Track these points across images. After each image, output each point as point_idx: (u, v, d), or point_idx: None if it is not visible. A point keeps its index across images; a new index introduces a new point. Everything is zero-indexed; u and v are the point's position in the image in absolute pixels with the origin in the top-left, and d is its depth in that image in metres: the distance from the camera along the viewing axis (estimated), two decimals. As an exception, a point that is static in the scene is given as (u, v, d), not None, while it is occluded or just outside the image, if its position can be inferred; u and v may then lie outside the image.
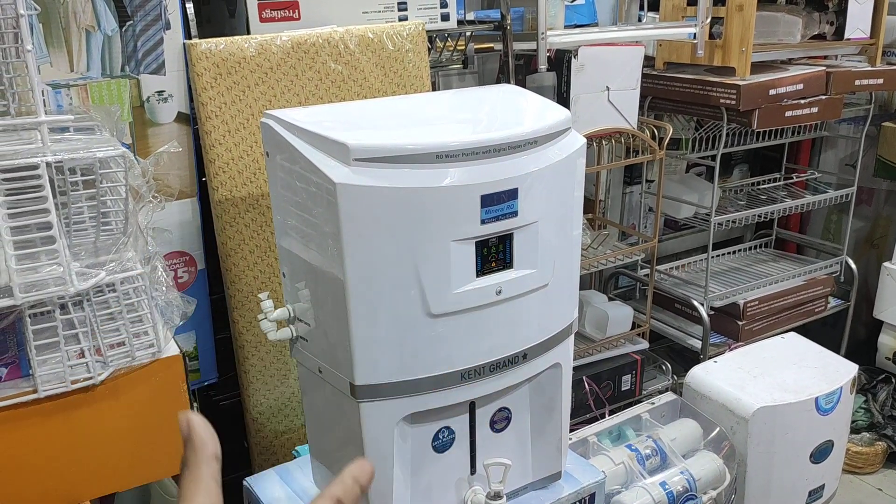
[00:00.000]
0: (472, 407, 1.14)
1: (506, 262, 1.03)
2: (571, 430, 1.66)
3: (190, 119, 1.34)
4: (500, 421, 1.18)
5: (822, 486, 1.85)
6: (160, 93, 1.29)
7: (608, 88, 1.76)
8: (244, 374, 1.46)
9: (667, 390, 2.07)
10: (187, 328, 1.44)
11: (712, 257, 2.23)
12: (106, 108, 1.06)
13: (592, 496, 1.30)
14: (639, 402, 1.94)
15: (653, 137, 1.89)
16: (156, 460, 1.09)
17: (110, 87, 1.21)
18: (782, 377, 1.80)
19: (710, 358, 1.97)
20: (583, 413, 1.98)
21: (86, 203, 1.01)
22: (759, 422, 1.70)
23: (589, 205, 2.21)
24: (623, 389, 2.08)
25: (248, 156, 1.35)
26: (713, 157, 2.09)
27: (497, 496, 1.14)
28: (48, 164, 0.90)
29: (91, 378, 0.99)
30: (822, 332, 2.63)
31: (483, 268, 1.01)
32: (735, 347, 2.09)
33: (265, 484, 1.28)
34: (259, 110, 1.35)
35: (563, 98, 1.72)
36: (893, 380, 2.52)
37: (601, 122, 1.77)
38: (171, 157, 1.14)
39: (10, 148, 0.91)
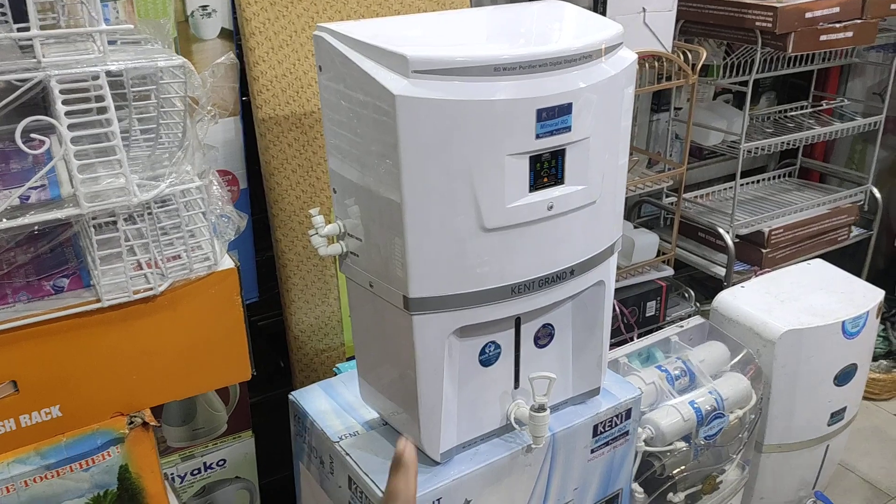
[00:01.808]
0: (517, 322, 1.16)
1: (557, 178, 1.04)
2: (605, 350, 1.69)
3: (233, 35, 1.33)
4: (544, 337, 1.21)
5: (844, 409, 1.89)
6: (204, 7, 1.27)
7: (644, 10, 1.74)
8: (286, 292, 1.48)
9: (689, 317, 2.10)
10: (230, 247, 1.45)
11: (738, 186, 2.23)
12: (155, 22, 1.06)
13: (629, 411, 1.33)
14: (661, 327, 1.97)
15: (685, 62, 1.87)
16: (211, 370, 1.12)
17: (155, 1, 1.19)
18: (809, 302, 1.82)
19: (733, 285, 1.99)
20: (612, 336, 2.00)
21: (136, 116, 1.01)
22: (786, 345, 1.73)
23: (617, 131, 2.20)
24: (648, 315, 2.11)
25: (291, 73, 1.35)
26: (743, 83, 2.07)
27: (541, 409, 1.16)
28: (107, 74, 0.90)
29: (152, 289, 1.01)
30: (843, 262, 2.63)
31: (536, 183, 1.02)
32: (762, 274, 2.11)
33: (310, 397, 1.31)
34: (302, 27, 1.34)
35: (599, 19, 1.69)
36: (913, 308, 2.55)
37: (637, 44, 1.75)
38: (225, 71, 1.14)
39: (70, 58, 0.91)
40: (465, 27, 1.10)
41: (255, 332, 1.67)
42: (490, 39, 1.07)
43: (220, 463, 1.51)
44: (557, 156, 1.03)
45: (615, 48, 1.06)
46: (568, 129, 1.01)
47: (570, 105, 1.00)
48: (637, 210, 2.50)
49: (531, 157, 1.00)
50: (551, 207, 1.04)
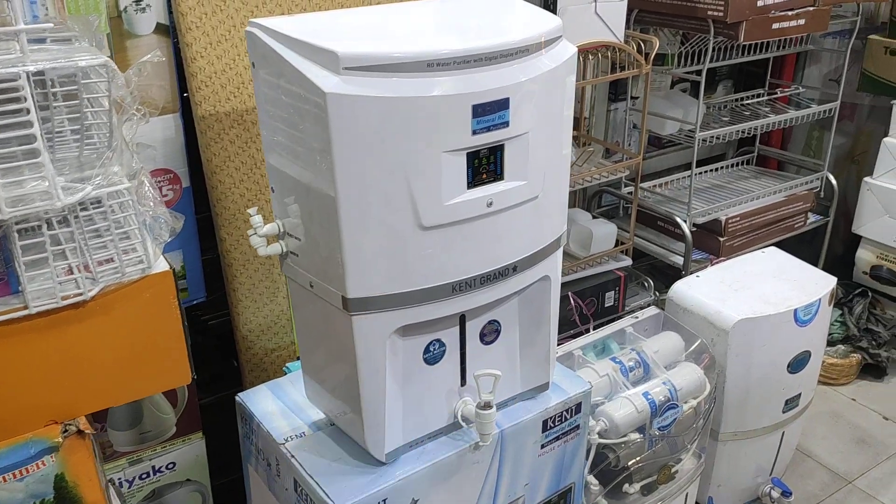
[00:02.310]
0: (462, 320, 1.15)
1: (497, 174, 1.03)
2: (557, 345, 1.69)
3: (170, 30, 1.30)
4: (490, 333, 1.20)
5: (799, 395, 1.90)
6: (138, 2, 1.24)
7: (595, 0, 1.73)
8: (233, 292, 1.46)
9: (649, 306, 2.10)
10: (174, 247, 1.43)
11: (695, 174, 2.24)
12: (84, 18, 1.02)
13: (579, 405, 1.33)
14: (621, 317, 1.97)
15: (639, 51, 1.86)
16: (148, 376, 1.10)
17: (86, -4, 1.16)
18: (762, 290, 1.83)
19: (691, 273, 2.00)
20: (567, 328, 2.01)
21: (66, 116, 0.98)
22: (739, 333, 1.74)
23: (573, 122, 2.19)
24: (607, 305, 2.11)
25: (231, 69, 1.32)
26: (699, 73, 2.08)
27: (487, 406, 1.16)
28: (29, 75, 0.87)
29: (81, 294, 0.98)
30: (800, 248, 2.66)
31: (474, 179, 1.01)
32: (717, 263, 2.12)
33: (257, 399, 1.29)
34: (241, 21, 1.31)
35: (550, 9, 1.68)
36: (869, 294, 2.57)
37: (588, 35, 1.74)
38: (154, 69, 1.10)
39: (-12, 58, 0.88)
40: (402, 21, 1.08)
41: (206, 332, 1.65)
42: (426, 34, 1.05)
43: (170, 466, 1.49)
44: (496, 151, 1.01)
45: (554, 41, 1.05)
46: (506, 124, 1.00)
47: (507, 100, 0.98)
48: (597, 200, 2.50)
49: (468, 154, 0.99)
50: (491, 204, 1.03)
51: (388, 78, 0.91)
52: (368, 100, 0.90)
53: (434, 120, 0.94)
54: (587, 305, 2.05)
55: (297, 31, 0.95)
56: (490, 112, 0.97)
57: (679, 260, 2.24)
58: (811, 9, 2.04)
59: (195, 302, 1.54)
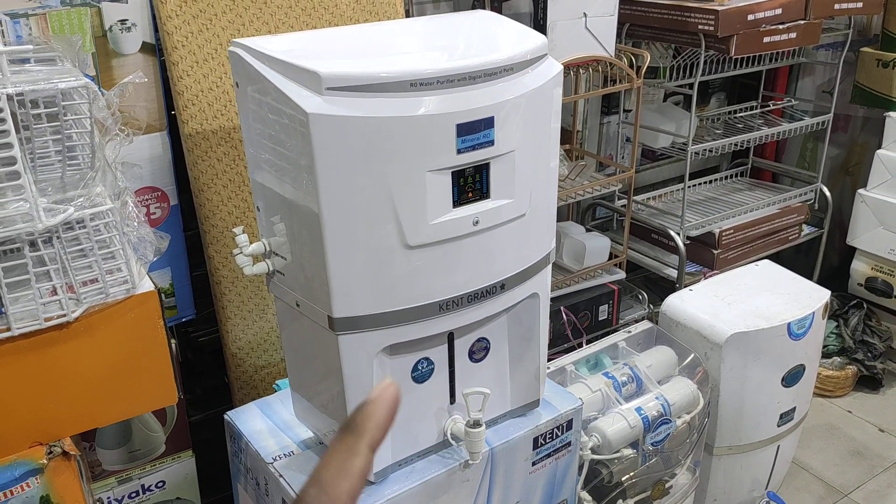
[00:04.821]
0: (450, 337, 1.14)
1: (482, 193, 1.02)
2: (549, 360, 1.68)
3: (156, 49, 1.30)
4: (479, 351, 1.19)
5: (794, 409, 1.89)
6: (123, 21, 1.24)
7: (585, 15, 1.73)
8: (222, 309, 1.45)
9: (643, 319, 2.09)
10: (162, 264, 1.43)
11: (689, 187, 2.23)
12: (67, 38, 1.02)
13: (570, 422, 1.32)
14: (615, 331, 1.97)
15: (630, 65, 1.86)
16: (134, 396, 1.09)
17: (70, 16, 1.16)
18: (756, 304, 1.83)
19: (685, 287, 1.99)
20: (560, 343, 2.00)
21: (51, 137, 0.98)
22: (733, 347, 1.73)
23: (566, 135, 2.19)
24: (600, 319, 2.11)
25: (217, 87, 1.32)
26: (691, 86, 2.08)
27: (476, 424, 1.15)
28: (9, 97, 0.87)
29: (65, 315, 0.98)
30: (796, 260, 2.67)
31: (460, 198, 1.00)
32: (710, 276, 2.11)
33: (246, 417, 1.28)
34: (227, 39, 1.31)
35: (539, 25, 1.68)
36: (865, 305, 2.56)
37: (578, 49, 1.74)
38: (137, 89, 1.10)
39: (-32, 80, 0.88)
40: (386, 40, 1.08)
41: (197, 349, 1.64)
42: (410, 53, 1.05)
43: (160, 484, 1.48)
44: (481, 170, 1.01)
45: (538, 59, 1.05)
46: (491, 143, 0.99)
47: (491, 119, 0.98)
48: (591, 213, 2.50)
49: (454, 173, 0.98)
50: (477, 222, 1.03)
51: (371, 98, 0.91)
52: (351, 120, 0.90)
53: (418, 139, 0.94)
54: (580, 319, 2.05)
55: (279, 52, 0.95)
56: (475, 131, 0.97)
57: (673, 273, 2.24)
58: (802, 22, 2.04)
59: (184, 319, 1.53)
